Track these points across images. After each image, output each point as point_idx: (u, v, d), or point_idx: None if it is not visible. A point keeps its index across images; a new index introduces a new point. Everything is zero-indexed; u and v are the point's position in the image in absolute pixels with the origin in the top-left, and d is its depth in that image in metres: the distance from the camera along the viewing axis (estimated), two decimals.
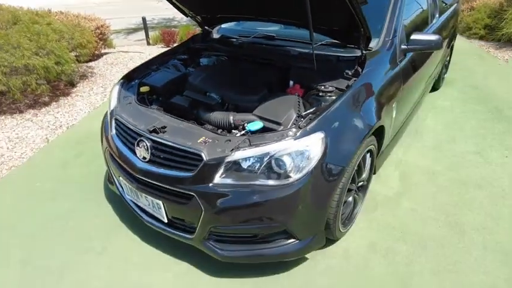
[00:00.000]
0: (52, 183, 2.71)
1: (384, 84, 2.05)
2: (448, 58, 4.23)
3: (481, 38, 6.11)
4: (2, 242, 2.18)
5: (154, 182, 1.74)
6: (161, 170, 1.71)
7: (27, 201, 2.52)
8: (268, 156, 1.58)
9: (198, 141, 1.67)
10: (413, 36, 2.26)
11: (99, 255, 2.07)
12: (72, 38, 4.28)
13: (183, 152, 1.66)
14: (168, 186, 1.71)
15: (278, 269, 1.91)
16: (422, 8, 2.87)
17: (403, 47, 2.28)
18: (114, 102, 2.17)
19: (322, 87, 1.97)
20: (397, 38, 2.25)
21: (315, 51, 2.16)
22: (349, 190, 1.94)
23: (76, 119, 3.75)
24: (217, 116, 1.91)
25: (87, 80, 4.75)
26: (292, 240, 1.71)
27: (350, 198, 2.01)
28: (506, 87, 4.19)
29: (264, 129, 1.77)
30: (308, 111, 1.79)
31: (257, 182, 1.58)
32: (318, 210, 1.69)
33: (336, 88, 1.96)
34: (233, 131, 1.80)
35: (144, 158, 1.78)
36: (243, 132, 1.75)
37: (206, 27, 2.77)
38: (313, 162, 1.59)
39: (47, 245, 2.15)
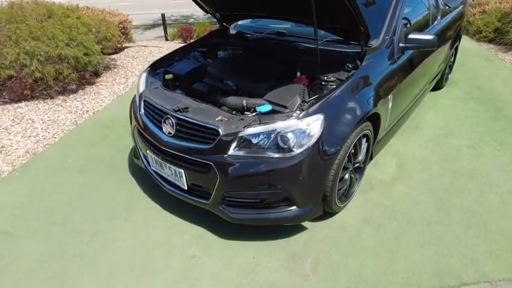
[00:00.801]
0: (82, 160, 3.04)
1: (381, 77, 2.30)
2: (453, 59, 4.41)
3: (491, 41, 6.24)
4: (44, 205, 2.51)
5: (178, 153, 2.04)
6: (184, 143, 2.01)
7: (62, 175, 2.85)
8: (275, 133, 1.85)
9: (216, 119, 1.95)
10: (411, 36, 2.50)
11: (125, 220, 2.37)
12: (98, 31, 4.63)
13: (203, 128, 1.95)
14: (189, 157, 2.00)
15: (280, 235, 2.18)
16: (423, 10, 3.09)
17: (401, 45, 2.51)
18: (142, 87, 2.47)
19: (325, 77, 2.24)
20: (396, 37, 2.49)
21: (321, 47, 2.44)
22: (346, 168, 2.19)
23: (101, 105, 4.09)
24: (232, 100, 2.19)
25: (110, 71, 5.10)
26: (293, 207, 1.98)
27: (346, 176, 2.26)
28: (509, 88, 4.35)
29: (272, 112, 2.04)
30: (311, 98, 2.06)
31: (265, 155, 1.85)
32: (316, 182, 1.96)
33: (337, 79, 2.23)
34: (246, 112, 2.08)
35: (170, 133, 2.07)
36: (254, 113, 2.03)
37: (224, 24, 3.05)
38: (313, 140, 1.85)
39: (80, 211, 2.46)
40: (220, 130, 1.88)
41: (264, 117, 1.91)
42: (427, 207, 2.43)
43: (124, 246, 2.18)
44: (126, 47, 6.36)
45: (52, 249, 2.15)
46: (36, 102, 4.06)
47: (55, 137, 3.42)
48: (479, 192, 2.57)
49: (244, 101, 2.14)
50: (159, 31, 7.55)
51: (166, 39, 7.42)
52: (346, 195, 2.35)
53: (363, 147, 2.30)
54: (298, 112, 1.88)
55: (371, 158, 2.64)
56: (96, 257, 2.09)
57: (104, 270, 2.02)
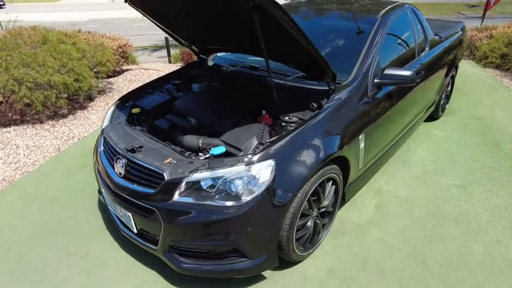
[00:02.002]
0: (55, 190, 3.00)
1: (349, 116, 2.17)
2: (449, 88, 4.23)
3: (497, 67, 6.00)
4: (2, 240, 2.46)
5: (126, 196, 1.95)
6: (132, 186, 1.92)
7: (31, 206, 2.81)
8: (223, 179, 1.74)
9: (165, 161, 1.86)
10: (387, 71, 2.37)
11: (82, 258, 2.29)
12: (93, 56, 4.71)
13: (150, 171, 1.86)
14: (136, 201, 1.91)
15: (234, 284, 2.04)
16: (407, 42, 2.96)
17: (376, 81, 2.39)
18: (106, 122, 2.43)
19: (287, 117, 2.13)
20: (370, 73, 2.37)
21: (290, 83, 2.35)
22: (306, 215, 2.05)
23: (88, 131, 4.09)
24: (189, 139, 2.10)
25: (104, 95, 5.16)
26: (244, 258, 1.84)
27: (309, 223, 2.11)
28: (511, 119, 4.11)
29: (226, 154, 1.94)
30: (269, 140, 1.94)
31: (211, 202, 1.74)
32: (267, 232, 1.82)
33: (300, 119, 2.11)
34: (199, 154, 1.98)
35: (120, 174, 2.00)
36: (207, 155, 1.93)
37: (201, 56, 3.01)
38: (263, 187, 1.73)
39: (40, 246, 2.39)
40: (165, 174, 1.79)
41: (214, 161, 1.81)
42: (402, 258, 2.23)
43: None
44: (127, 70, 6.46)
45: None
46: (25, 127, 4.11)
47: (35, 164, 3.42)
48: (463, 241, 2.36)
49: (200, 141, 2.05)
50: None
51: (170, 62, 7.53)
52: (311, 242, 2.20)
53: (327, 191, 2.15)
54: (249, 157, 1.77)
55: (344, 200, 2.48)
56: None
57: None
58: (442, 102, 4.03)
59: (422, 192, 2.87)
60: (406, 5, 3.13)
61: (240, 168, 1.73)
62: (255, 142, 1.96)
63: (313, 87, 2.27)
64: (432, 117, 4.06)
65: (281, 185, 1.77)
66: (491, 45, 6.20)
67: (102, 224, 2.58)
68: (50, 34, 4.45)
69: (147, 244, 2.01)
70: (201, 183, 1.77)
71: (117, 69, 6.04)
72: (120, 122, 2.35)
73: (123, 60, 6.07)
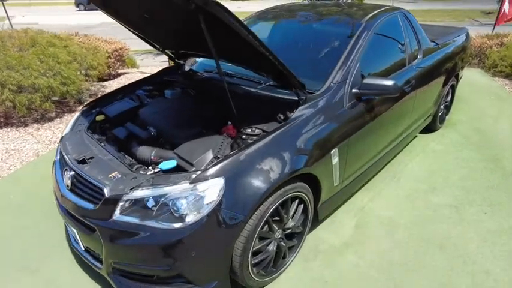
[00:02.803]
0: (24, 198, 2.89)
1: (319, 129, 1.97)
2: (449, 98, 3.97)
3: (507, 76, 5.68)
4: None
5: (70, 210, 1.82)
6: (76, 200, 1.78)
7: (1, 211, 2.71)
8: (164, 199, 1.58)
9: (109, 175, 1.72)
10: (366, 80, 2.17)
11: (31, 274, 2.15)
12: (84, 60, 4.64)
13: (92, 185, 1.72)
14: (78, 216, 1.76)
15: None
16: (396, 50, 2.75)
17: (354, 91, 2.19)
18: (67, 129, 2.31)
19: (250, 129, 1.96)
20: (347, 82, 2.18)
21: (262, 92, 2.18)
22: (266, 238, 1.86)
23: None
24: (142, 150, 1.95)
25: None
26: (190, 285, 1.67)
27: (271, 247, 1.92)
28: None
29: (177, 169, 1.78)
30: (227, 154, 1.77)
31: (152, 224, 1.57)
32: (215, 258, 1.64)
33: (263, 131, 1.94)
34: (149, 167, 1.83)
35: (67, 186, 1.87)
36: (156, 170, 1.78)
37: (177, 61, 2.87)
38: (209, 209, 1.56)
39: None
40: (105, 190, 1.64)
41: (159, 178, 1.65)
42: None
43: None
44: (123, 73, 6.41)
45: None
46: (9, 129, 4.06)
47: (10, 169, 3.34)
48: (446, 271, 2.12)
49: (153, 153, 1.90)
50: None
51: (170, 65, 7.45)
52: (275, 266, 2.01)
53: (292, 212, 1.96)
54: (195, 174, 1.60)
55: (318, 220, 2.29)
56: None
57: None
58: (440, 113, 3.78)
59: (409, 212, 2.64)
60: (399, 10, 2.92)
61: (184, 186, 1.57)
62: (210, 156, 1.79)
63: (283, 96, 2.10)
64: (430, 129, 3.81)
65: (231, 207, 1.59)
66: (501, 53, 5.88)
67: (60, 237, 2.44)
68: (39, 37, 4.41)
69: (94, 262, 1.86)
70: (148, 202, 1.61)
71: (113, 72, 5.99)
72: (80, 130, 2.23)
73: (119, 63, 6.01)
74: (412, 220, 2.55)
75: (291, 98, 2.06)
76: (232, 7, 24.08)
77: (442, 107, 3.80)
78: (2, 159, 3.49)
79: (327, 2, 3.33)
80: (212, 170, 1.60)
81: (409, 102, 2.80)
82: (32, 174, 3.26)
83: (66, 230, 2.15)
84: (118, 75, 6.22)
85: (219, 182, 1.58)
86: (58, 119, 4.38)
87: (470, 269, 2.14)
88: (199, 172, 1.61)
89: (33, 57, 4.01)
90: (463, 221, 2.54)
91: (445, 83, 3.49)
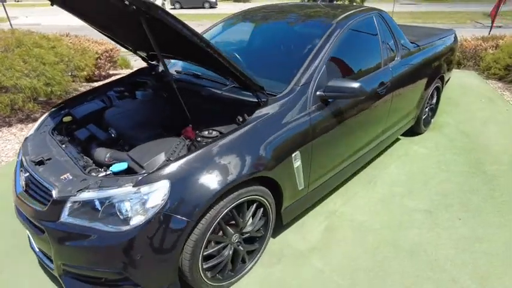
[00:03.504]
0: None
1: (278, 132, 1.93)
2: (435, 100, 3.90)
3: (500, 79, 5.59)
4: None
5: (22, 211, 1.80)
6: (28, 201, 1.77)
7: None
8: (108, 201, 1.55)
9: (61, 177, 1.70)
10: (331, 83, 2.13)
11: None
12: (70, 61, 4.66)
13: (43, 187, 1.70)
14: (29, 217, 1.75)
15: None
16: (369, 51, 2.70)
17: (318, 93, 2.15)
18: (32, 130, 2.30)
19: (207, 132, 1.93)
20: (311, 84, 2.14)
21: (226, 93, 2.15)
22: (220, 242, 1.83)
23: None
24: (98, 152, 1.94)
25: None
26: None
27: (227, 251, 1.89)
28: (503, 137, 3.74)
29: (130, 171, 1.76)
30: (179, 157, 1.74)
31: (98, 226, 1.55)
32: (162, 262, 1.61)
33: (220, 133, 1.91)
34: (101, 169, 1.81)
35: (22, 187, 1.85)
36: (107, 172, 1.76)
37: (150, 62, 2.85)
38: (152, 212, 1.53)
39: None
40: (53, 192, 1.62)
41: (107, 180, 1.63)
42: None
43: None
44: (114, 74, 6.42)
45: None
46: None
47: None
48: (411, 277, 2.07)
49: (108, 155, 1.88)
50: None
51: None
52: (234, 270, 1.97)
53: (249, 216, 1.92)
54: (140, 176, 1.58)
55: (282, 224, 2.24)
56: None
57: None
58: (424, 116, 3.72)
59: (383, 216, 2.59)
60: (374, 11, 2.88)
61: (128, 189, 1.54)
62: (162, 159, 1.77)
63: (244, 98, 2.06)
64: (414, 132, 3.75)
65: (177, 210, 1.56)
66: (495, 55, 5.79)
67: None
68: (26, 38, 4.43)
69: (48, 263, 1.85)
70: (94, 204, 1.59)
71: (103, 73, 6.00)
72: (45, 131, 2.21)
73: (109, 64, 6.02)
74: (385, 225, 2.50)
75: (251, 100, 2.02)
76: (235, 8, 24.15)
77: (426, 109, 3.74)
78: None
79: (306, 3, 3.29)
80: (157, 173, 1.57)
81: (384, 105, 2.75)
82: (9, 174, 3.25)
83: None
84: (109, 76, 6.24)
85: (164, 185, 1.56)
86: None
87: (438, 276, 2.08)
88: (144, 174, 1.58)
89: (16, 58, 4.03)
90: (437, 226, 2.48)
91: (427, 85, 3.43)
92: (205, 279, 1.79)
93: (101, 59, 5.70)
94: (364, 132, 2.68)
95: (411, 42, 3.18)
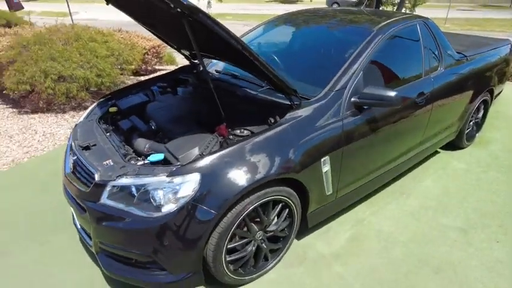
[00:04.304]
0: (50, 177, 3.17)
1: (309, 136, 1.96)
2: (481, 114, 3.69)
3: None
4: None
5: (69, 190, 1.99)
6: (74, 181, 1.95)
7: (24, 188, 3.01)
8: (144, 188, 1.68)
9: (104, 163, 1.86)
10: (367, 90, 2.12)
11: (40, 245, 2.37)
12: (120, 55, 4.97)
13: (87, 170, 1.87)
14: (74, 197, 1.93)
15: None
16: (410, 60, 2.64)
17: (353, 99, 2.15)
18: (82, 117, 2.51)
19: (239, 130, 2.00)
20: (346, 90, 2.14)
21: (261, 94, 2.22)
22: (243, 237, 1.89)
23: None
24: (139, 142, 2.09)
25: None
26: (164, 272, 1.76)
27: (250, 247, 1.95)
28: None
29: (164, 161, 1.88)
30: (211, 152, 1.84)
31: (131, 210, 1.68)
32: (187, 249, 1.70)
33: (251, 132, 1.97)
34: (140, 158, 1.95)
35: (70, 168, 2.05)
36: (145, 161, 1.89)
37: (193, 61, 2.98)
38: (182, 202, 1.63)
39: (13, 227, 2.54)
40: (96, 175, 1.78)
41: (144, 168, 1.76)
42: None
43: (19, 273, 2.14)
44: (159, 70, 6.74)
45: None
46: (49, 115, 4.47)
47: (43, 150, 3.69)
48: None
49: (147, 146, 2.02)
50: None
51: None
52: (256, 266, 2.03)
53: (273, 215, 1.97)
54: (174, 168, 1.69)
55: (308, 227, 2.26)
56: None
57: None
58: (468, 130, 3.54)
59: (412, 230, 2.52)
60: (418, 19, 2.79)
61: (162, 178, 1.66)
62: (196, 153, 1.87)
63: (278, 100, 2.11)
64: (455, 146, 3.59)
65: (205, 202, 1.65)
66: None
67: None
68: (83, 32, 4.80)
69: (87, 240, 2.03)
70: (131, 189, 1.72)
71: (149, 68, 6.33)
72: (92, 119, 2.41)
73: (156, 60, 6.34)
74: (413, 238, 2.43)
75: (284, 102, 2.07)
76: (279, 7, 24.07)
77: (471, 123, 3.56)
78: (39, 141, 3.86)
79: (349, 8, 3.27)
80: (190, 166, 1.68)
81: (422, 116, 2.67)
82: (60, 156, 3.54)
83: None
84: (154, 71, 6.56)
85: (195, 177, 1.65)
86: None
87: None
88: (178, 166, 1.69)
89: (74, 51, 4.38)
90: (471, 246, 2.37)
91: (473, 98, 3.26)
92: (228, 272, 1.87)
93: (148, 54, 6.02)
94: (399, 143, 2.62)
95: (458, 53, 3.05)
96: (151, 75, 6.34)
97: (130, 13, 2.40)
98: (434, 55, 2.79)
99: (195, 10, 1.49)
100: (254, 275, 2.04)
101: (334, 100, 2.10)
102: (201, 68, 2.93)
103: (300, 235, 2.38)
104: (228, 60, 2.22)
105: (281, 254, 2.16)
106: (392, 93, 2.06)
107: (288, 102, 2.04)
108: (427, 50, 2.71)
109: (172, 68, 7.09)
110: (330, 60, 2.43)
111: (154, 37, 6.43)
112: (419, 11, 10.00)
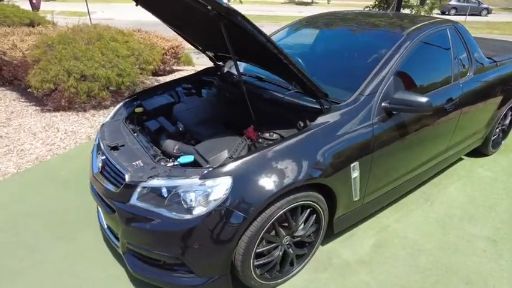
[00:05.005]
0: (71, 175, 3.22)
1: (339, 141, 1.94)
2: (508, 121, 3.60)
3: None
4: (12, 211, 2.70)
5: (97, 190, 2.01)
6: (103, 181, 1.96)
7: (47, 185, 3.06)
8: (175, 190, 1.68)
9: (133, 163, 1.87)
10: (397, 95, 2.08)
11: (66, 243, 2.40)
12: (140, 55, 5.02)
13: (117, 170, 1.88)
14: (103, 196, 1.94)
15: None
16: (440, 65, 2.58)
17: (384, 104, 2.11)
18: (108, 118, 2.54)
19: (268, 134, 1.99)
20: (377, 95, 2.11)
21: (288, 98, 2.21)
22: (271, 242, 1.88)
23: None
24: (167, 143, 2.09)
25: None
26: (192, 275, 1.75)
27: (277, 252, 1.93)
28: None
29: (194, 163, 1.88)
30: (240, 155, 1.83)
31: (161, 212, 1.68)
32: (217, 253, 1.70)
33: (281, 136, 1.96)
34: (170, 160, 1.95)
35: (98, 168, 2.06)
36: (175, 163, 1.89)
37: (217, 62, 2.99)
38: (214, 205, 1.62)
39: (38, 224, 2.58)
40: (126, 176, 1.79)
41: (175, 170, 1.76)
42: None
43: (47, 270, 2.17)
44: (177, 70, 6.79)
45: None
46: (70, 113, 4.54)
47: (66, 148, 3.74)
48: None
49: (176, 147, 2.02)
50: None
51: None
52: (281, 271, 2.01)
53: (302, 220, 1.95)
54: (206, 170, 1.68)
55: (333, 233, 2.24)
56: (14, 277, 2.13)
57: None
58: (494, 137, 3.46)
59: (438, 238, 2.47)
60: (449, 23, 2.74)
61: (194, 180, 1.66)
62: (226, 156, 1.86)
63: (307, 104, 2.10)
64: (480, 153, 3.51)
65: (236, 206, 1.64)
66: None
67: (96, 214, 2.69)
68: (105, 32, 4.86)
69: (114, 240, 2.04)
70: (161, 191, 1.73)
71: (167, 68, 6.37)
72: (119, 119, 2.43)
73: (174, 60, 6.38)
74: (440, 247, 2.38)
75: (314, 106, 2.05)
76: (292, 9, 24.00)
77: (497, 130, 3.48)
78: (61, 139, 3.92)
79: (375, 11, 3.23)
80: (221, 169, 1.67)
81: (450, 122, 2.62)
82: (82, 153, 3.61)
83: (97, 208, 2.37)
84: (172, 71, 6.61)
85: (227, 180, 1.64)
86: (112, 107, 4.76)
87: None
88: (210, 169, 1.68)
89: (96, 50, 4.44)
90: (501, 257, 2.31)
91: (501, 105, 3.19)
92: (255, 276, 1.86)
93: (166, 54, 6.07)
94: (426, 148, 2.57)
95: (487, 58, 2.98)
96: (170, 75, 6.39)
97: (158, 14, 2.41)
98: (464, 60, 2.74)
99: (234, 12, 1.49)
100: (279, 280, 2.03)
101: (364, 105, 2.07)
102: (226, 70, 2.94)
103: (324, 241, 2.35)
104: (258, 62, 2.21)
105: (306, 260, 2.14)
106: (423, 99, 2.02)
107: (318, 106, 2.02)
108: (456, 55, 2.66)
109: (189, 68, 7.14)
110: (359, 64, 2.39)
111: (173, 37, 6.50)
112: (437, 13, 9.83)
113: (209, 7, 1.51)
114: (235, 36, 1.66)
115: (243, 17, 1.51)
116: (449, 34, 2.66)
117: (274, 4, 29.97)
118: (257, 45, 1.66)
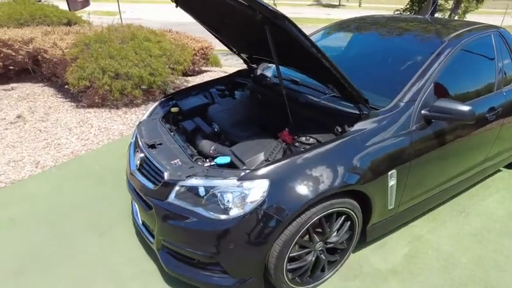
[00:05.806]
0: (105, 170, 3.33)
1: (377, 148, 1.91)
2: None
3: None
4: (50, 204, 2.82)
5: (135, 187, 2.06)
6: (140, 178, 2.02)
7: (83, 179, 3.17)
8: (213, 190, 1.70)
9: (171, 162, 1.91)
10: (438, 103, 2.03)
11: (100, 236, 2.48)
12: (172, 55, 5.13)
13: (156, 168, 1.93)
14: (140, 193, 2.00)
15: None
16: (483, 72, 2.50)
17: (423, 112, 2.06)
18: (145, 116, 2.61)
19: (304, 138, 1.98)
20: (416, 102, 2.06)
21: (324, 102, 2.20)
22: (304, 247, 1.87)
23: None
24: (204, 144, 2.13)
25: None
26: (225, 275, 1.77)
27: (310, 257, 1.92)
28: None
29: (230, 165, 1.90)
30: (277, 159, 1.84)
31: (198, 211, 1.71)
32: (251, 255, 1.71)
33: (317, 141, 1.95)
34: (207, 160, 1.98)
35: (136, 165, 2.12)
36: (212, 163, 1.92)
37: (251, 64, 3.01)
38: (250, 207, 1.63)
39: (74, 216, 2.68)
40: (165, 174, 1.83)
41: (213, 170, 1.79)
42: None
43: (82, 262, 2.25)
44: (206, 71, 6.88)
45: (31, 247, 2.38)
46: (103, 110, 4.69)
47: (99, 144, 3.87)
48: None
49: (212, 148, 2.05)
50: None
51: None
52: (312, 277, 2.00)
53: (336, 226, 1.93)
54: (244, 172, 1.70)
55: (366, 241, 2.20)
56: (53, 265, 2.22)
57: (49, 281, 2.12)
58: None
59: (474, 252, 2.38)
60: (493, 29, 2.64)
61: (232, 181, 1.67)
62: (262, 158, 1.87)
63: (345, 109, 2.07)
64: None
65: (273, 209, 1.65)
66: None
67: (129, 209, 2.77)
68: (138, 32, 5.00)
69: (148, 236, 2.09)
70: (199, 190, 1.75)
71: (197, 69, 6.47)
72: (155, 118, 2.49)
73: (203, 61, 6.47)
74: (476, 261, 2.30)
75: (352, 111, 2.03)
76: (319, 11, 23.76)
77: None
78: (94, 134, 4.06)
79: (413, 16, 3.16)
80: (259, 171, 1.68)
81: (491, 132, 2.52)
82: (115, 150, 3.73)
83: (132, 203, 2.44)
84: (201, 72, 6.71)
85: (264, 183, 1.65)
86: (143, 106, 4.91)
87: None
88: (247, 171, 1.70)
89: (130, 50, 4.57)
90: None
91: None
92: (286, 280, 1.86)
93: (196, 55, 6.17)
94: (465, 158, 2.49)
95: None
96: (199, 76, 6.49)
97: (198, 16, 2.46)
98: (508, 67, 2.63)
99: (281, 17, 1.49)
100: (310, 285, 2.01)
101: (404, 112, 2.03)
102: (259, 72, 2.96)
103: (355, 248, 2.31)
104: (297, 66, 2.21)
105: (338, 266, 2.12)
106: (465, 108, 1.96)
107: (357, 112, 1.99)
108: (500, 63, 2.56)
109: (217, 69, 7.21)
110: (396, 70, 2.35)
111: (202, 38, 6.57)
112: (469, 17, 9.51)
113: (257, 11, 1.52)
114: (279, 40, 1.67)
115: (290, 21, 1.51)
116: (493, 40, 2.56)
117: (301, 6, 29.87)
118: (301, 49, 1.66)
